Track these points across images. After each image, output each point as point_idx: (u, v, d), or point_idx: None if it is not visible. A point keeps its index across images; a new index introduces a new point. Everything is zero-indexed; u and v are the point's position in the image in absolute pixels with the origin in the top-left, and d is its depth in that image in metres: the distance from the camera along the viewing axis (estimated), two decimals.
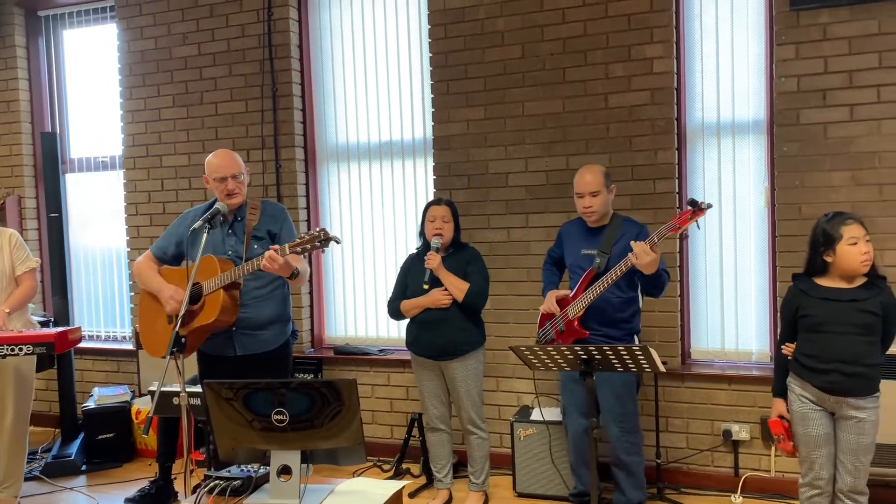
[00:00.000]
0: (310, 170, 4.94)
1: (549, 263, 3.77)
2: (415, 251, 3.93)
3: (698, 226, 3.11)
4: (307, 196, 4.93)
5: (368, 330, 4.92)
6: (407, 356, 4.60)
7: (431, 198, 4.59)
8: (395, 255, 4.79)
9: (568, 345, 2.88)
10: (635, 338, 3.50)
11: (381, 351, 4.76)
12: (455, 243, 3.78)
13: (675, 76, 4.04)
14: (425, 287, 3.64)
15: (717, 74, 4.06)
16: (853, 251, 2.79)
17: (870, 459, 2.89)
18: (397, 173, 4.77)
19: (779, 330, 3.16)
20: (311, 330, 4.98)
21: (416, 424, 4.32)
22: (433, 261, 3.64)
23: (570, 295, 3.46)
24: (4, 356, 3.39)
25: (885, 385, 2.96)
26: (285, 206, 4.12)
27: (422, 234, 3.83)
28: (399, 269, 3.93)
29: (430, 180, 4.63)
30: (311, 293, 4.97)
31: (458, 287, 3.64)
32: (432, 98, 4.52)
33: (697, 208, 3.05)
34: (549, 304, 3.52)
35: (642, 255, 3.14)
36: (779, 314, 3.23)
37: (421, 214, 4.61)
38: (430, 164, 4.61)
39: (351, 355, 4.76)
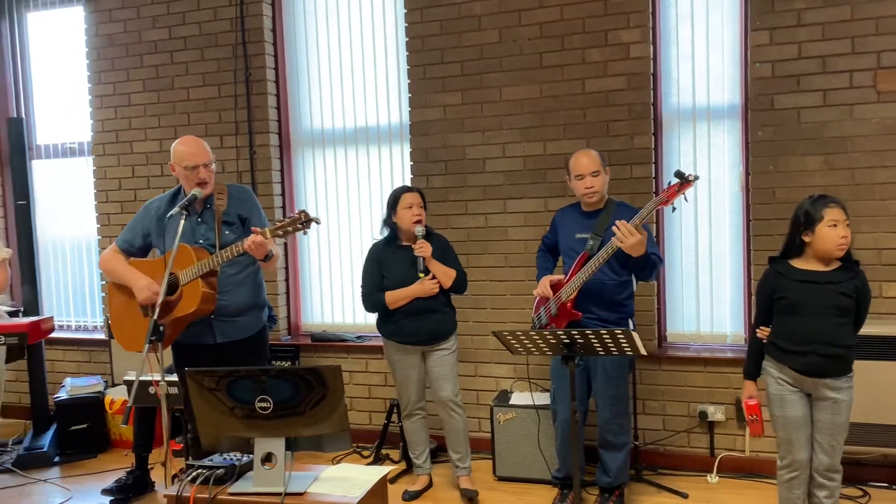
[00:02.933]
0: (284, 156, 4.88)
1: (542, 250, 3.78)
2: (380, 240, 3.84)
3: (686, 198, 3.11)
4: (282, 182, 4.88)
5: (346, 317, 4.90)
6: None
7: (409, 184, 4.57)
8: (371, 241, 4.73)
9: (550, 329, 2.89)
10: (630, 321, 3.51)
11: (358, 338, 4.74)
12: (427, 230, 3.76)
13: (652, 61, 4.06)
14: (421, 276, 3.61)
15: (693, 60, 4.09)
16: (831, 233, 2.83)
17: (844, 438, 2.95)
18: (373, 159, 4.74)
19: (753, 313, 3.20)
20: (288, 317, 4.94)
21: (395, 410, 4.31)
22: (426, 249, 3.61)
23: (564, 279, 3.47)
24: None
25: (858, 365, 3.03)
26: (260, 193, 4.08)
27: (386, 221, 3.77)
28: (366, 261, 3.84)
29: (406, 166, 4.61)
30: (287, 280, 4.93)
31: (447, 274, 3.66)
32: (409, 83, 4.49)
33: (684, 180, 3.04)
34: (543, 287, 3.52)
35: (627, 237, 3.14)
36: (754, 297, 3.28)
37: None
38: (407, 149, 4.59)
39: (328, 342, 4.73)
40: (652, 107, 4.07)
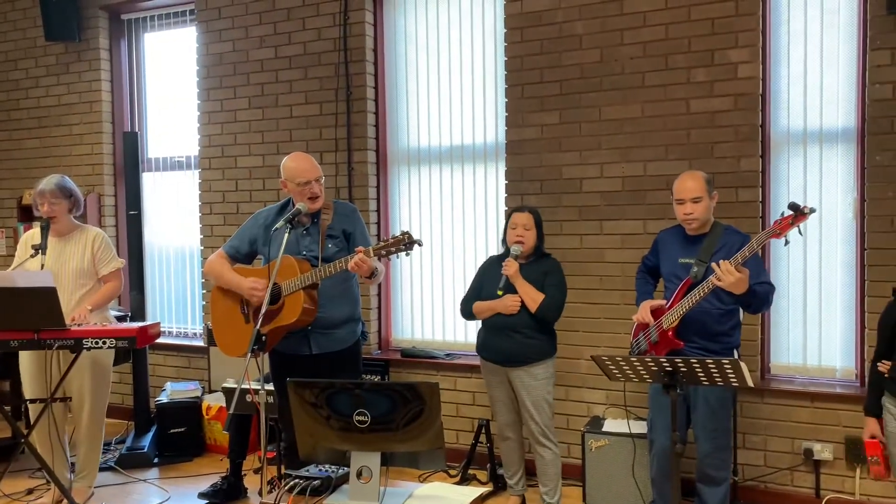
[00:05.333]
0: (381, 173, 4.96)
1: (642, 272, 3.68)
2: (495, 255, 3.94)
3: (800, 232, 2.97)
4: (378, 199, 4.95)
5: (435, 333, 4.91)
6: (474, 361, 4.58)
7: (502, 203, 4.56)
8: (463, 260, 4.77)
9: (652, 356, 2.80)
10: (735, 352, 3.37)
11: (447, 355, 4.74)
12: (537, 252, 3.74)
13: (761, 82, 3.92)
14: (499, 293, 3.61)
15: (805, 80, 3.93)
16: None
17: None
18: (468, 178, 4.75)
19: (872, 346, 3.02)
20: (379, 332, 4.99)
21: (483, 430, 4.28)
22: (509, 267, 3.62)
23: (666, 305, 3.36)
24: (89, 349, 3.47)
25: None
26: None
27: (504, 240, 3.80)
28: (477, 270, 3.94)
29: (501, 185, 4.60)
30: (379, 295, 4.98)
31: (532, 297, 3.60)
32: (506, 102, 4.49)
33: (799, 213, 2.89)
34: (644, 313, 3.40)
35: (726, 276, 3.01)
36: (870, 330, 3.09)
37: (496, 219, 4.62)
38: (502, 168, 4.58)
39: (418, 358, 4.75)
40: (760, 129, 3.92)
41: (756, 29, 3.88)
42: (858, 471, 3.75)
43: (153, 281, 5.81)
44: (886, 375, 2.84)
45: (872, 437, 2.88)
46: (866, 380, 3.73)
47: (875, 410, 2.90)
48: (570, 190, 4.34)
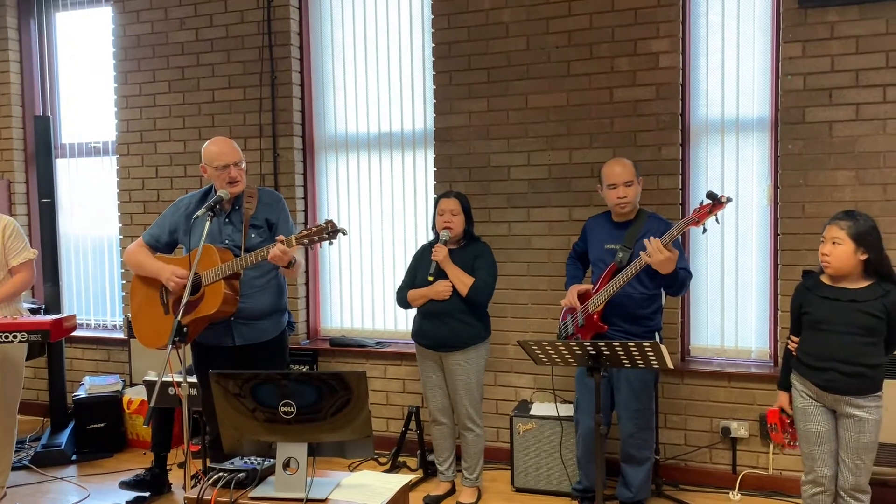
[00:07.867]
0: (308, 160, 4.88)
1: (572, 257, 3.76)
2: (427, 243, 3.95)
3: (717, 220, 3.06)
4: (305, 186, 4.87)
5: (364, 322, 4.88)
6: (404, 349, 4.61)
7: (431, 190, 4.56)
8: (392, 247, 4.75)
9: (577, 340, 2.86)
10: (657, 335, 3.46)
11: (377, 343, 4.72)
12: (468, 236, 3.78)
13: (681, 72, 4.02)
14: (430, 279, 3.64)
15: (723, 71, 4.05)
16: (820, 250, 2.89)
17: (872, 458, 2.90)
18: (397, 165, 4.73)
19: (785, 327, 3.16)
20: (307, 321, 4.93)
21: (413, 418, 4.28)
22: (439, 253, 3.64)
23: (592, 290, 3.44)
24: None
25: (888, 385, 2.98)
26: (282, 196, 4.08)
27: (434, 226, 3.81)
28: (411, 260, 3.94)
29: (430, 172, 4.59)
30: (307, 284, 4.92)
31: (462, 281, 3.64)
32: (434, 89, 4.47)
33: (717, 202, 2.99)
34: (570, 297, 3.49)
35: (655, 254, 3.10)
36: (788, 311, 3.24)
37: (425, 206, 4.62)
38: (431, 156, 4.57)
39: (347, 347, 4.71)
40: (680, 117, 4.03)
41: (676, 20, 3.98)
42: (771, 447, 3.92)
43: (69, 272, 5.58)
44: (794, 354, 2.98)
45: (781, 409, 3.05)
46: (779, 359, 3.91)
47: (786, 385, 3.05)
48: (498, 177, 4.36)
